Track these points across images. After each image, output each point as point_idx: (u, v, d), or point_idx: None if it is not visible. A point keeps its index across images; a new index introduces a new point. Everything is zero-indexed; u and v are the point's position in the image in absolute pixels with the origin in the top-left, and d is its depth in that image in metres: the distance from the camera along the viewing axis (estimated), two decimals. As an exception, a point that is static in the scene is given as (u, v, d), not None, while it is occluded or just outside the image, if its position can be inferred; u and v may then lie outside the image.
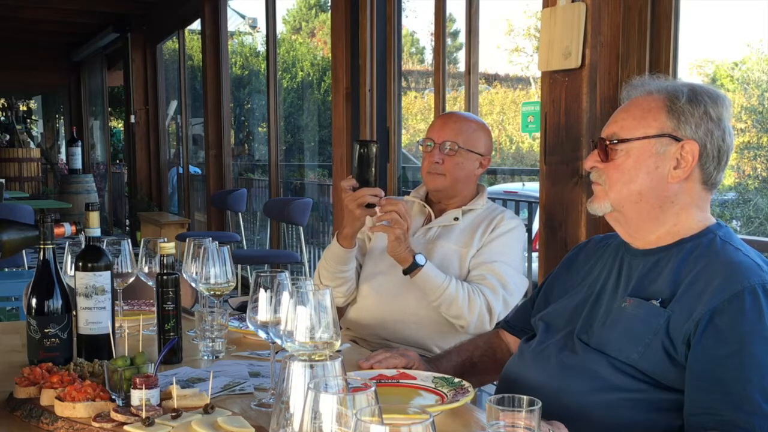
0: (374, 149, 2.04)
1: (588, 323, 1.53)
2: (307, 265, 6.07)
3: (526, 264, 3.56)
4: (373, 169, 2.04)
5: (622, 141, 1.47)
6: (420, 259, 2.10)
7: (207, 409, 1.37)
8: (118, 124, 15.02)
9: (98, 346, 1.70)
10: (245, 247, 7.33)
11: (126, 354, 1.49)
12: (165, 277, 1.78)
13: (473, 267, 2.20)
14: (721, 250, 1.43)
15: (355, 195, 2.05)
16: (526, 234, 2.39)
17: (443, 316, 2.15)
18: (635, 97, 1.52)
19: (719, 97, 1.47)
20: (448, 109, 3.90)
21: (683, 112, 1.44)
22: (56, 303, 1.67)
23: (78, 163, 11.70)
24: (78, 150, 11.78)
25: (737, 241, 1.46)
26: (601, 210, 1.53)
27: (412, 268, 2.09)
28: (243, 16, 15.01)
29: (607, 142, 1.49)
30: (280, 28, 15.56)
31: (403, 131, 6.38)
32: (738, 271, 1.37)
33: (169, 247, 1.81)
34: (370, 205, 2.06)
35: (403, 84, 7.13)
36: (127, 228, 10.80)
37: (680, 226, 1.49)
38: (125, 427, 1.32)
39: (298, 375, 0.97)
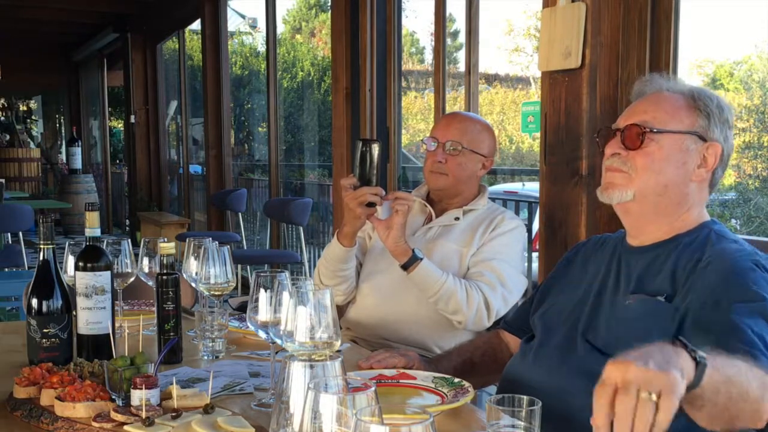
0: (376, 148, 2.04)
1: (593, 323, 1.54)
2: (307, 265, 6.07)
3: (526, 264, 3.55)
4: (375, 167, 2.04)
5: (657, 131, 1.48)
6: (419, 252, 2.10)
7: (207, 409, 1.37)
8: (117, 124, 15.00)
9: (98, 346, 1.70)
10: (245, 247, 7.33)
11: (126, 354, 1.49)
12: (165, 277, 1.78)
13: (472, 264, 2.20)
14: (717, 243, 1.46)
15: (355, 193, 2.05)
16: (526, 235, 2.39)
17: (441, 313, 2.15)
18: (661, 92, 1.53)
19: (729, 105, 1.53)
20: (448, 109, 3.89)
21: (713, 115, 1.49)
22: (56, 303, 1.67)
23: (78, 163, 11.69)
24: (78, 150, 11.77)
25: (732, 235, 1.50)
26: (621, 197, 1.50)
27: (411, 261, 2.09)
28: (243, 16, 14.99)
29: (646, 129, 1.48)
30: (280, 28, 15.55)
31: (403, 131, 6.39)
32: (737, 256, 1.40)
33: (169, 247, 1.81)
34: (371, 204, 2.06)
35: (403, 84, 7.13)
36: (127, 228, 10.79)
37: (681, 223, 1.51)
38: (125, 427, 1.32)
39: (298, 375, 0.97)
